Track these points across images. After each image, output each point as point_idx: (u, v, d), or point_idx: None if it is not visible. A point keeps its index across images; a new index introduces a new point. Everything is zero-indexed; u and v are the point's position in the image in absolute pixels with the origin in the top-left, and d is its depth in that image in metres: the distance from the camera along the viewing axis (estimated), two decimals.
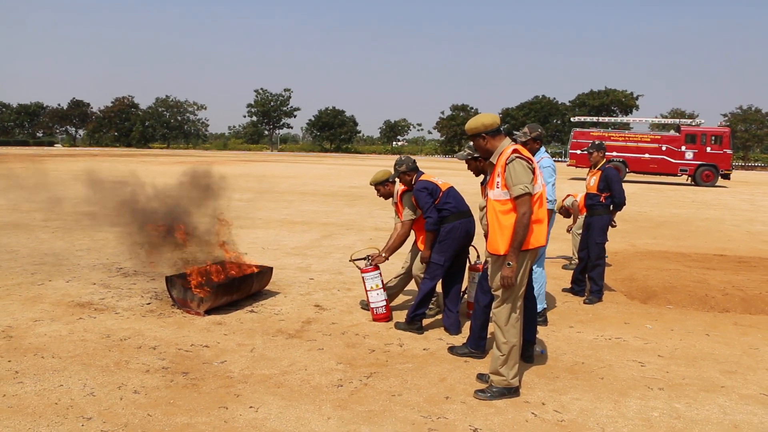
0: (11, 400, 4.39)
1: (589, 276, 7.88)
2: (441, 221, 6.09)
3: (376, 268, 6.53)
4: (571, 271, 9.18)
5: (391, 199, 6.87)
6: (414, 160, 6.48)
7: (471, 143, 5.37)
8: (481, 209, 5.53)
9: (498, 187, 4.65)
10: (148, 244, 9.12)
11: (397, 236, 6.54)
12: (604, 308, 7.43)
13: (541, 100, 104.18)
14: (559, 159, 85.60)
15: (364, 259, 6.79)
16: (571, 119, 42.51)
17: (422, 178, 6.35)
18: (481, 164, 5.64)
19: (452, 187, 6.37)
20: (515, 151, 4.63)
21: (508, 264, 4.54)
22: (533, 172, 4.62)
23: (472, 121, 4.86)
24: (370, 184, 6.90)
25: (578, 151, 36.53)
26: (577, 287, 8.06)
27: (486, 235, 4.95)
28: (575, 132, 37.47)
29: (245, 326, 6.22)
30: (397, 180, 6.71)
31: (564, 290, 8.21)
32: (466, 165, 5.85)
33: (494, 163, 4.74)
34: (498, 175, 4.66)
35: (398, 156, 6.69)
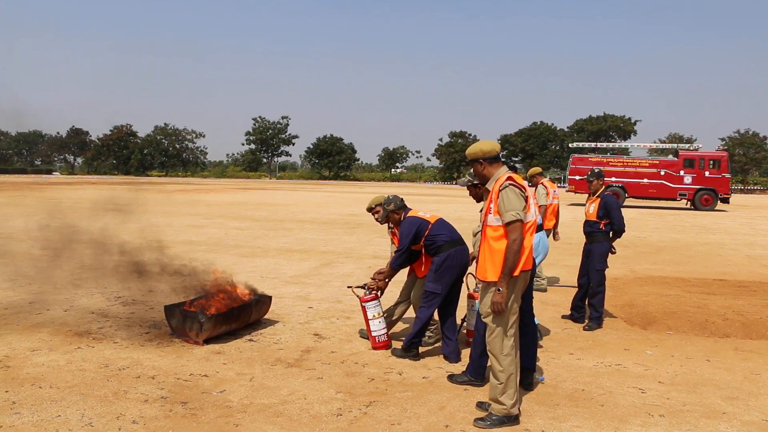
0: None
1: (589, 303, 7.89)
2: (435, 251, 6.17)
3: (376, 296, 6.58)
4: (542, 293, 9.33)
5: (387, 225, 6.94)
6: (402, 199, 6.67)
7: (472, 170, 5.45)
8: (474, 235, 5.60)
9: (491, 213, 4.73)
10: (145, 273, 9.17)
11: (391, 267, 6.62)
12: (604, 335, 7.43)
13: (539, 126, 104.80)
14: (560, 185, 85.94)
15: (362, 287, 6.82)
16: (570, 145, 42.77)
17: (410, 214, 6.52)
18: (480, 190, 5.71)
19: (441, 218, 6.51)
20: (509, 178, 4.71)
21: (498, 290, 4.58)
22: (526, 200, 4.68)
23: (472, 147, 4.98)
24: (367, 210, 6.97)
25: (577, 177, 36.68)
26: (576, 314, 8.06)
27: (477, 261, 4.99)
28: (574, 158, 37.67)
29: (244, 355, 6.22)
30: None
31: (564, 317, 8.22)
32: (467, 191, 5.92)
33: (490, 189, 4.82)
34: (492, 201, 4.73)
35: (387, 195, 6.77)
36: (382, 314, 6.55)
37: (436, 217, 6.45)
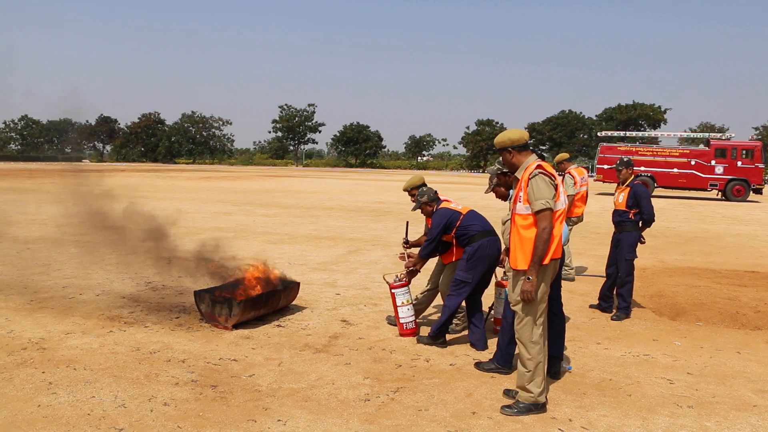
0: (46, 410, 4.50)
1: (617, 292, 7.85)
2: (468, 241, 6.19)
3: (406, 283, 6.62)
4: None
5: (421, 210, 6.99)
6: (435, 192, 6.68)
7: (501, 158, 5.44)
8: (503, 223, 5.60)
9: (521, 201, 4.73)
10: (176, 257, 9.29)
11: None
12: (632, 325, 7.40)
13: (567, 114, 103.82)
14: (588, 174, 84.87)
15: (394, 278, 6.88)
16: (598, 134, 42.30)
17: (442, 205, 6.56)
18: (509, 179, 5.70)
19: (473, 209, 6.55)
20: (539, 166, 4.70)
21: (528, 278, 4.59)
22: (556, 188, 4.67)
23: (500, 135, 4.97)
24: (404, 190, 7.01)
25: (605, 166, 36.30)
26: (604, 303, 8.02)
27: (507, 250, 5.00)
28: (602, 147, 37.26)
29: (273, 341, 6.30)
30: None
31: (591, 306, 8.18)
32: (496, 179, 5.91)
33: (519, 177, 4.82)
34: (521, 189, 4.73)
35: (420, 187, 6.80)
36: (410, 301, 6.60)
37: (467, 209, 6.50)
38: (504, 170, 5.70)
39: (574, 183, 10.14)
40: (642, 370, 5.72)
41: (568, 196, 9.84)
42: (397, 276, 6.74)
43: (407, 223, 7.44)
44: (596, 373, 5.61)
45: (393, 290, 6.58)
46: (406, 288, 6.59)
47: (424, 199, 6.61)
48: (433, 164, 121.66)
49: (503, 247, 6.24)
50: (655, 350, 6.37)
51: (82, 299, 7.83)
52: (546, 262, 4.63)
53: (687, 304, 8.11)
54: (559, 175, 9.03)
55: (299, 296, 7.92)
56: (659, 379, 5.52)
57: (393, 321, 6.97)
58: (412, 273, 6.79)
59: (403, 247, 7.05)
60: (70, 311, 7.23)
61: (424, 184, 6.99)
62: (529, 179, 4.68)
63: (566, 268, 9.78)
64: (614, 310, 7.88)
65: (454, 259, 6.46)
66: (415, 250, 7.17)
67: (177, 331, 6.54)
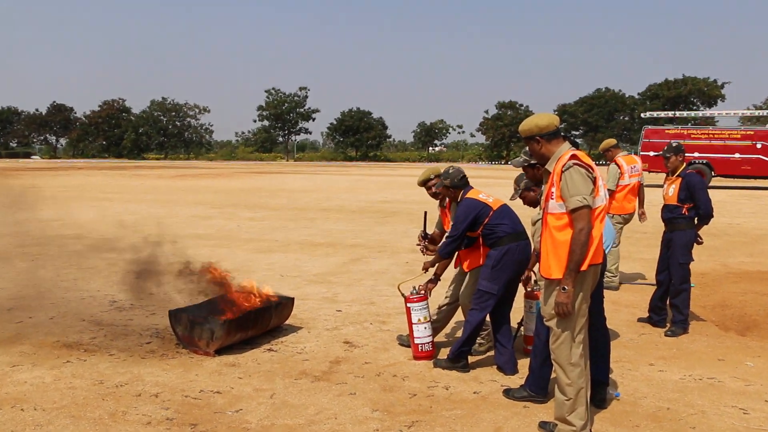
0: None
1: (671, 303, 7.78)
2: (494, 242, 6.12)
3: (425, 297, 6.56)
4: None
5: (438, 203, 6.94)
6: (463, 174, 6.55)
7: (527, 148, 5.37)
8: (534, 224, 5.54)
9: (553, 198, 4.66)
10: (145, 273, 9.26)
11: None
12: (692, 342, 7.33)
13: (604, 93, 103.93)
14: None
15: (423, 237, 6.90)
16: (642, 115, 42.25)
17: (470, 194, 6.40)
18: (538, 172, 5.63)
19: (505, 204, 6.42)
20: (574, 156, 4.62)
21: (563, 289, 4.53)
22: (594, 182, 4.60)
23: (526, 121, 4.90)
24: (420, 184, 7.00)
25: (651, 153, 36.16)
26: (656, 316, 7.96)
27: (538, 255, 4.94)
28: (647, 130, 37.16)
29: (263, 368, 6.25)
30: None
31: (640, 320, 8.12)
32: (524, 173, 5.85)
33: (550, 171, 4.75)
34: (553, 184, 4.66)
35: (447, 166, 6.76)
36: (428, 319, 6.55)
37: (499, 203, 6.36)
38: (532, 162, 5.63)
39: (621, 174, 10.04)
40: (707, 397, 5.66)
41: (608, 190, 9.76)
42: (414, 288, 6.68)
43: (425, 213, 7.33)
44: (650, 401, 5.55)
45: (409, 304, 6.53)
46: (424, 303, 6.54)
47: (447, 182, 6.48)
48: (446, 155, 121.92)
49: (534, 251, 6.19)
50: (722, 372, 6.30)
51: (33, 323, 7.78)
52: (584, 268, 4.56)
53: (758, 316, 8.04)
54: (603, 165, 8.96)
55: (294, 314, 7.87)
56: (729, 408, 5.45)
57: (405, 341, 6.92)
58: (432, 282, 6.73)
59: (420, 240, 7.01)
60: (18, 339, 7.17)
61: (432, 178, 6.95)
62: (562, 172, 4.60)
63: (608, 274, 9.72)
64: (668, 324, 7.82)
65: (480, 263, 6.38)
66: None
67: (148, 359, 6.49)
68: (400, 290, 7.03)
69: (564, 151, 4.75)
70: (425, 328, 6.51)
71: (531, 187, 6.16)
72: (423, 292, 6.61)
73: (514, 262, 6.08)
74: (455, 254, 6.55)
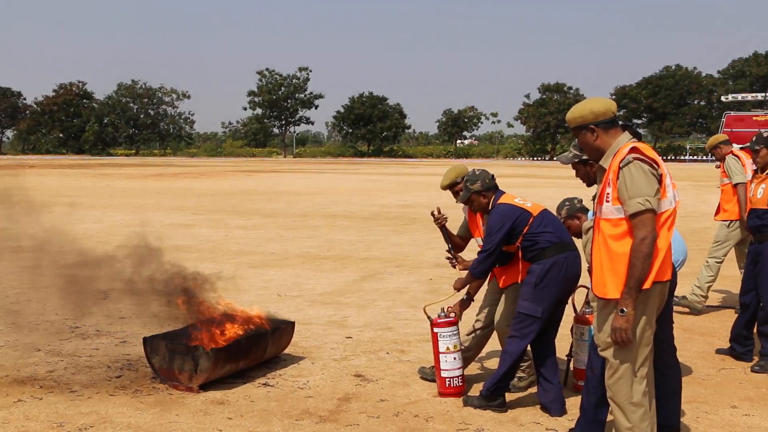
0: None
1: (759, 331, 7.75)
2: (536, 256, 6.14)
3: (455, 321, 6.59)
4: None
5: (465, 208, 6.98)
6: (492, 176, 6.58)
7: (577, 140, 5.38)
8: (585, 231, 5.53)
9: (608, 201, 4.65)
10: (114, 292, 9.34)
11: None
12: None
13: (674, 72, 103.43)
14: (704, 158, 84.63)
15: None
16: (722, 98, 42.13)
17: (504, 198, 6.42)
18: (592, 169, 5.63)
19: (547, 209, 6.44)
20: (634, 150, 4.59)
21: (621, 311, 4.51)
22: (660, 180, 4.61)
23: (576, 108, 4.88)
24: (444, 188, 7.06)
25: (746, 146, 35.99)
26: (739, 347, 7.93)
27: (590, 270, 4.93)
28: (728, 117, 37.18)
29: (258, 406, 6.29)
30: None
31: (719, 351, 8.11)
32: (574, 171, 5.87)
33: (605, 167, 4.76)
34: (609, 184, 4.66)
35: (470, 169, 6.79)
36: (459, 348, 6.56)
37: (539, 208, 6.37)
38: (584, 158, 5.64)
39: (743, 166, 9.76)
40: None
41: (736, 184, 9.62)
42: (442, 310, 6.71)
43: (443, 229, 7.36)
44: None
45: (436, 329, 6.55)
46: (454, 328, 6.56)
47: (476, 186, 6.46)
48: (477, 149, 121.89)
49: (585, 265, 6.20)
50: None
51: None
52: (647, 286, 4.54)
53: None
54: (716, 163, 8.82)
55: (294, 342, 7.92)
56: None
57: (430, 375, 6.95)
58: (464, 303, 6.76)
59: (449, 254, 7.07)
60: None
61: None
62: (620, 169, 4.58)
63: (698, 291, 9.65)
64: (755, 358, 7.80)
65: (518, 279, 6.40)
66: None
67: (118, 395, 6.54)
68: (426, 312, 7.04)
69: (623, 143, 4.73)
70: (455, 358, 6.52)
71: (575, 214, 6.22)
72: (453, 315, 6.63)
73: (561, 279, 6.08)
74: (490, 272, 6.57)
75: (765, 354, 7.62)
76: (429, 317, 6.77)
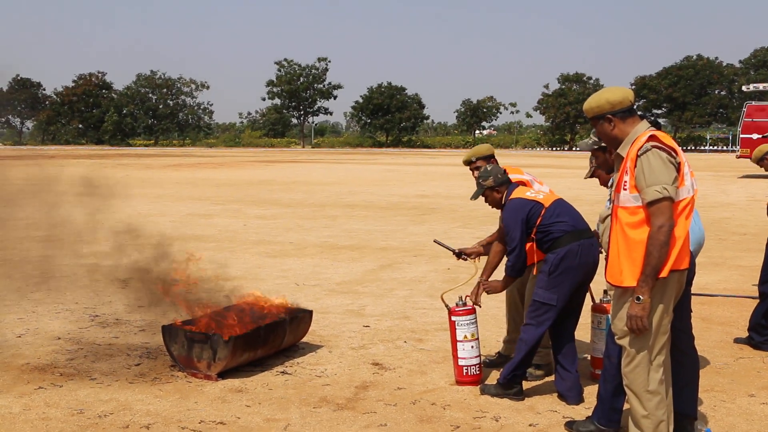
0: None
1: None
2: (551, 245, 6.14)
3: (473, 310, 6.60)
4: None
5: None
6: (504, 171, 6.59)
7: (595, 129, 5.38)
8: (602, 220, 5.52)
9: (626, 189, 4.66)
10: (134, 280, 9.38)
11: (493, 253, 6.64)
12: None
13: (695, 62, 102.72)
14: (724, 148, 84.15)
15: (453, 252, 6.98)
16: (743, 88, 41.78)
17: (515, 193, 6.41)
18: (611, 156, 5.64)
19: (561, 198, 6.45)
20: (653, 138, 4.60)
21: (638, 299, 4.52)
22: (678, 168, 4.60)
23: (593, 97, 4.89)
24: (464, 163, 7.14)
25: (755, 136, 35.73)
26: (758, 336, 7.90)
27: (606, 258, 4.93)
28: (750, 107, 36.77)
29: (275, 394, 6.33)
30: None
31: (737, 341, 8.09)
32: (594, 158, 5.87)
33: (623, 155, 4.76)
34: (627, 171, 4.66)
35: (489, 159, 6.81)
36: (476, 336, 6.57)
37: (552, 198, 6.38)
38: (603, 145, 5.64)
39: None
40: None
41: None
42: (460, 298, 6.71)
43: (438, 242, 7.47)
44: None
45: (454, 318, 6.56)
46: (473, 316, 6.57)
47: (489, 182, 6.48)
48: (497, 140, 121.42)
49: (603, 254, 6.20)
50: None
51: None
52: (664, 275, 4.55)
53: None
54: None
55: (312, 330, 7.95)
56: None
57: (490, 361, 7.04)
58: (491, 288, 6.68)
59: (459, 258, 7.07)
60: None
61: (493, 156, 7.02)
62: (637, 157, 4.59)
63: None
64: None
65: (534, 260, 6.39)
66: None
67: (138, 383, 6.59)
68: (443, 301, 7.05)
69: (641, 131, 4.73)
70: (472, 347, 6.53)
71: (605, 147, 6.12)
72: (471, 302, 6.65)
73: (578, 266, 6.06)
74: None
75: None
76: (447, 306, 6.78)
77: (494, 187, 6.46)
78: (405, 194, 26.56)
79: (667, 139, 4.65)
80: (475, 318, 6.60)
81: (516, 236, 6.18)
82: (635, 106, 4.88)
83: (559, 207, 6.28)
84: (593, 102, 4.87)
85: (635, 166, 4.58)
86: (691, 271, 5.02)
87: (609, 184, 5.79)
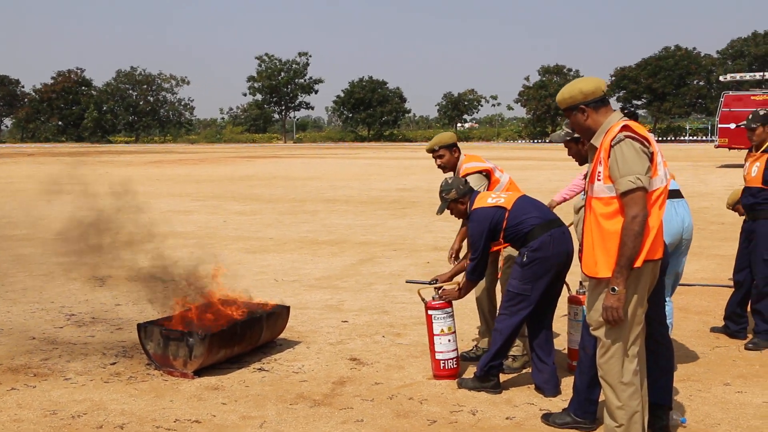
0: None
1: (753, 309, 7.76)
2: (524, 239, 6.13)
3: (449, 303, 6.60)
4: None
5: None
6: (465, 181, 6.66)
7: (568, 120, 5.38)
8: (577, 211, 5.53)
9: (600, 180, 4.65)
10: (110, 278, 9.35)
11: (460, 266, 6.73)
12: None
13: (673, 53, 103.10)
14: (704, 138, 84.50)
15: (429, 285, 6.88)
16: (721, 78, 41.99)
17: (477, 202, 6.42)
18: (583, 148, 5.64)
19: (523, 196, 6.48)
20: (626, 128, 4.58)
21: (613, 290, 4.52)
22: (651, 158, 4.59)
23: (566, 88, 4.87)
24: (427, 151, 7.23)
25: (732, 126, 35.88)
26: (734, 325, 7.93)
27: (581, 251, 4.93)
28: (727, 97, 36.97)
29: (252, 391, 6.30)
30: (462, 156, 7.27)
31: (714, 330, 8.11)
32: (566, 149, 5.85)
33: (597, 146, 4.75)
34: (600, 162, 4.65)
35: (452, 147, 6.87)
36: (453, 330, 6.57)
37: (514, 198, 6.38)
38: (575, 135, 5.64)
39: None
40: None
41: None
42: (437, 291, 6.71)
43: (408, 281, 7.53)
44: (725, 429, 5.55)
45: (431, 311, 6.56)
46: (449, 309, 6.57)
47: (452, 195, 6.52)
48: (478, 133, 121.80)
49: (576, 245, 6.20)
50: None
51: None
52: (638, 265, 4.55)
53: None
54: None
55: (290, 326, 7.93)
56: None
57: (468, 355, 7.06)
58: (448, 296, 6.69)
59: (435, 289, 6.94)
60: None
61: (455, 145, 7.09)
62: (611, 147, 4.58)
63: None
64: (749, 336, 7.80)
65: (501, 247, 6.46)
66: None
67: (113, 382, 6.55)
68: (420, 295, 7.03)
69: (614, 122, 4.71)
70: (449, 340, 6.53)
71: (461, 199, 6.40)
72: (447, 295, 6.63)
73: (552, 255, 6.05)
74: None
75: (758, 332, 7.64)
76: (423, 299, 6.78)
77: (457, 198, 6.52)
78: (386, 188, 26.56)
79: (640, 129, 4.64)
80: (452, 312, 6.59)
81: (479, 246, 6.24)
82: (615, 97, 4.87)
83: (522, 204, 6.30)
84: (566, 92, 4.86)
85: (609, 157, 4.57)
86: (664, 261, 5.01)
87: (584, 176, 5.79)
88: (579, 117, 4.83)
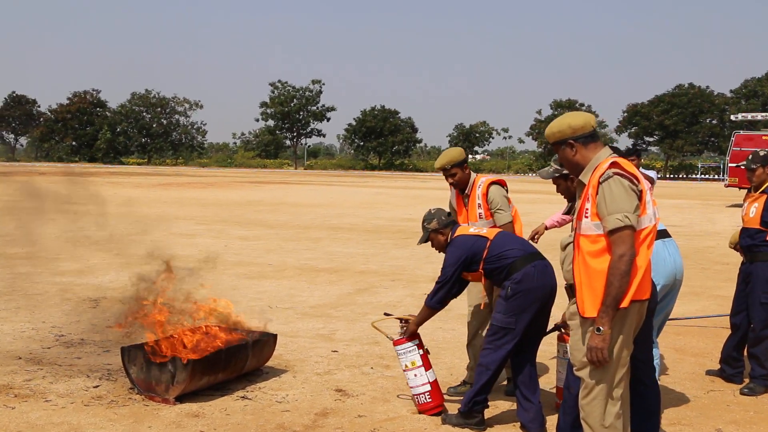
0: None
1: (749, 353, 7.67)
2: (507, 273, 6.10)
3: (409, 339, 6.54)
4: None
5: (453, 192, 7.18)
6: (448, 213, 6.70)
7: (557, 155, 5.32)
8: (564, 248, 5.44)
9: (587, 217, 4.58)
10: (106, 300, 9.30)
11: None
12: None
13: (687, 90, 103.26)
14: (716, 176, 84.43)
15: (399, 321, 6.84)
16: (732, 117, 42.02)
17: (459, 231, 6.51)
18: (572, 184, 5.57)
19: (504, 231, 6.58)
20: (614, 165, 4.52)
21: (598, 330, 4.43)
22: (640, 196, 4.53)
23: (555, 122, 4.83)
24: (437, 168, 7.25)
25: (742, 165, 35.77)
26: (730, 369, 7.85)
27: (568, 288, 4.86)
28: (738, 136, 36.95)
29: (232, 420, 6.23)
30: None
31: (709, 373, 8.03)
32: (555, 186, 5.80)
33: (585, 182, 4.68)
34: (588, 199, 4.58)
35: (462, 164, 7.07)
36: (420, 364, 6.49)
37: (495, 232, 6.43)
38: (564, 172, 5.58)
39: None
40: None
41: None
42: (402, 324, 6.69)
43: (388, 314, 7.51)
44: None
45: (396, 347, 6.58)
46: (408, 345, 6.53)
47: (433, 224, 6.54)
48: (489, 165, 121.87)
49: (565, 283, 6.13)
50: None
51: None
52: (625, 305, 4.47)
53: None
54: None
55: (278, 354, 7.88)
56: None
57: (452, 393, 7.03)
58: (407, 332, 6.62)
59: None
60: None
61: (466, 161, 7.14)
62: (599, 184, 4.52)
63: None
64: (745, 380, 7.71)
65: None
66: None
67: (93, 406, 6.48)
68: (384, 333, 7.00)
69: (603, 158, 4.66)
70: (415, 375, 6.47)
71: (441, 230, 6.47)
72: (403, 331, 6.62)
73: (536, 288, 6.02)
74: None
75: (755, 376, 7.54)
76: (388, 337, 6.76)
77: (438, 229, 6.53)
78: (391, 217, 26.59)
79: (629, 166, 4.59)
80: (414, 347, 6.53)
81: (450, 272, 6.26)
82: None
83: (503, 237, 6.33)
84: (555, 127, 4.81)
85: (597, 194, 4.51)
86: (652, 301, 4.93)
87: (572, 212, 5.73)
88: (567, 152, 4.78)
